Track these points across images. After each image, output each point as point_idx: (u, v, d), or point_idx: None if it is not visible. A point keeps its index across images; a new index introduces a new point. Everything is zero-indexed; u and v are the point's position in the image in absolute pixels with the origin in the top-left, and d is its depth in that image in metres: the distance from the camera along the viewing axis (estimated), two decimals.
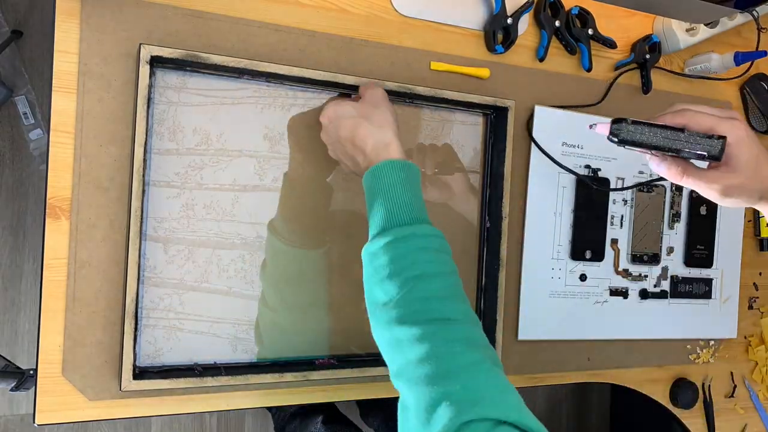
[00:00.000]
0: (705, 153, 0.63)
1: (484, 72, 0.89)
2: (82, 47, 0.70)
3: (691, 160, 0.65)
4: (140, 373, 0.71)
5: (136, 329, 0.70)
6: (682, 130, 0.64)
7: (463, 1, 0.89)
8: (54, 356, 0.69)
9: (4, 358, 1.08)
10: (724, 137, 0.64)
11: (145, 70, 0.69)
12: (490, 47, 0.90)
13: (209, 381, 0.73)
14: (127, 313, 0.69)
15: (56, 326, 0.69)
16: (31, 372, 1.07)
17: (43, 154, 1.55)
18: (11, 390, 1.05)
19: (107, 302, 0.70)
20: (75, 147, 0.69)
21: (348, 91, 0.81)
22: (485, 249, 0.90)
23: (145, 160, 0.70)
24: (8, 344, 1.54)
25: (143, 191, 0.70)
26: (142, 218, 0.70)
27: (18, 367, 1.09)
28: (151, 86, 0.70)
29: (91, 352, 0.70)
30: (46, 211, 0.69)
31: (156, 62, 0.71)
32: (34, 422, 0.69)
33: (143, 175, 0.70)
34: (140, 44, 0.69)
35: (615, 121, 0.64)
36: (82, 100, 0.70)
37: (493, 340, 0.88)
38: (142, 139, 0.69)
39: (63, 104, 0.69)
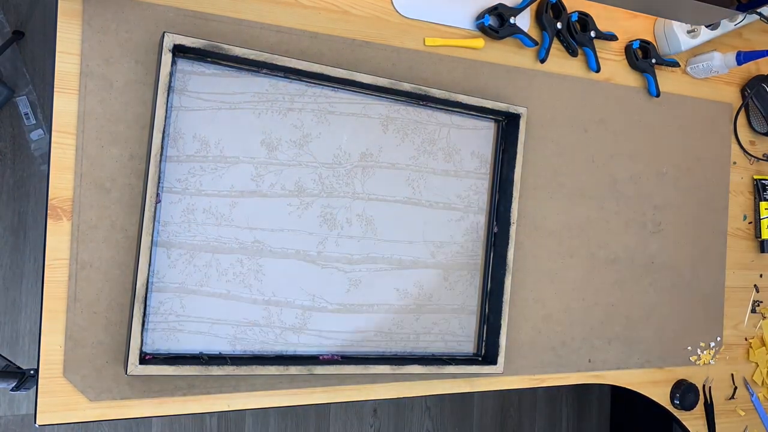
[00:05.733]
0: None
1: (479, 42, 0.89)
2: (83, 48, 0.70)
3: None
4: (146, 358, 0.70)
5: (144, 314, 0.69)
6: None
7: (463, 3, 0.89)
8: (55, 357, 0.69)
9: (4, 358, 1.08)
10: None
11: (167, 57, 0.69)
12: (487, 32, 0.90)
13: (215, 370, 0.72)
14: (137, 298, 0.68)
15: (57, 327, 0.69)
16: (32, 372, 1.07)
17: (45, 155, 1.55)
18: (12, 390, 1.05)
19: (108, 303, 0.70)
20: (76, 148, 0.70)
21: (361, 90, 0.81)
22: (492, 253, 0.90)
23: (162, 146, 0.69)
24: (9, 344, 1.54)
25: (159, 178, 0.70)
26: (157, 192, 0.70)
27: (19, 367, 1.09)
28: (171, 74, 0.70)
29: (92, 352, 0.70)
30: (48, 211, 0.69)
31: (178, 51, 0.70)
32: (35, 423, 0.69)
33: (160, 157, 0.69)
34: (164, 32, 0.69)
35: None
36: (84, 100, 0.70)
37: (497, 344, 0.88)
38: (161, 125, 0.69)
39: (64, 105, 0.69)
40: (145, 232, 0.68)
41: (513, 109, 0.87)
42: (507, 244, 0.88)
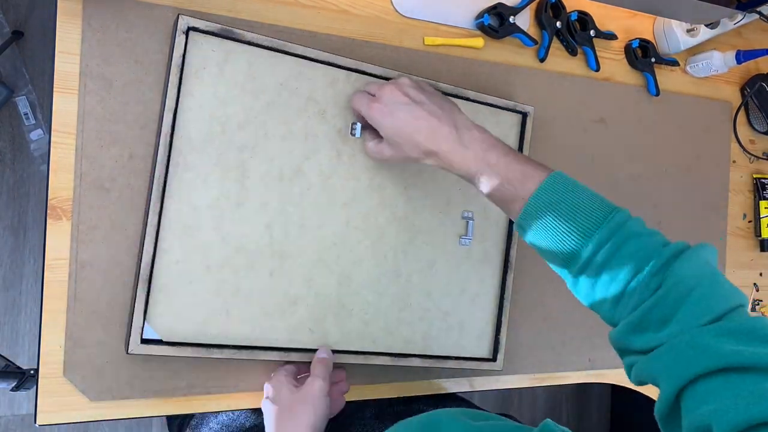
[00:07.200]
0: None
1: (478, 42, 0.90)
2: (83, 48, 0.70)
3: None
4: (148, 339, 0.70)
5: (148, 294, 0.69)
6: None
7: (463, 2, 0.89)
8: (55, 357, 0.69)
9: (4, 357, 1.08)
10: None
11: (181, 39, 0.69)
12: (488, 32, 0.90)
13: (215, 353, 0.72)
14: (141, 278, 0.68)
15: (57, 327, 0.69)
16: (32, 372, 1.07)
17: (44, 155, 1.56)
18: (12, 390, 1.05)
19: (108, 303, 0.70)
20: (76, 148, 0.70)
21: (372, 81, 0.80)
22: None
23: (173, 126, 0.70)
24: (9, 344, 1.54)
25: (168, 159, 0.70)
26: (168, 165, 0.70)
27: (18, 367, 1.09)
28: (184, 55, 0.70)
29: (92, 352, 0.70)
30: (47, 211, 0.69)
31: (192, 32, 0.71)
32: (35, 423, 0.69)
33: (170, 137, 0.70)
34: (178, 14, 0.70)
35: None
36: (84, 100, 0.70)
37: (497, 341, 0.88)
38: (173, 104, 0.69)
39: (64, 105, 0.69)
40: (152, 212, 0.69)
41: (520, 107, 0.88)
42: (511, 241, 0.88)
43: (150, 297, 0.69)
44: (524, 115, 0.89)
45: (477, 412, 0.72)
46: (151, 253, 0.69)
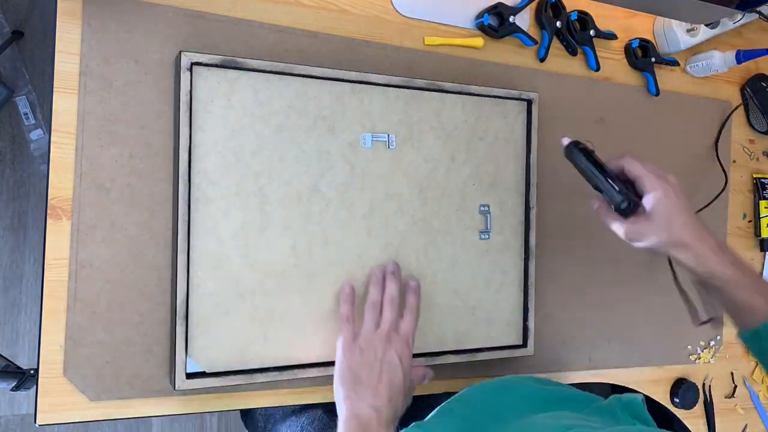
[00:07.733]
0: (612, 203, 0.75)
1: (478, 42, 0.90)
2: (83, 48, 0.70)
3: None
4: (192, 373, 0.71)
5: (186, 329, 0.70)
6: (608, 175, 0.75)
7: (463, 2, 0.89)
8: (55, 356, 0.69)
9: (4, 357, 1.08)
10: (637, 203, 0.74)
11: (186, 76, 0.69)
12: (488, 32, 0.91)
13: (259, 377, 0.73)
14: (179, 315, 0.70)
15: (57, 326, 0.69)
16: (32, 372, 1.07)
17: (44, 155, 1.56)
18: (12, 390, 1.05)
19: (108, 303, 0.70)
20: (76, 147, 0.70)
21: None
22: None
23: (189, 163, 0.70)
24: (9, 344, 1.54)
25: (189, 195, 0.71)
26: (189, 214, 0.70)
27: (18, 367, 1.09)
28: (191, 92, 0.70)
29: (92, 352, 0.70)
30: (47, 211, 0.69)
31: (195, 66, 0.71)
32: (35, 423, 0.69)
33: (189, 175, 0.70)
34: (180, 51, 0.70)
35: (571, 143, 0.78)
36: (83, 100, 0.70)
37: (526, 328, 0.90)
38: (186, 143, 0.70)
39: (64, 105, 0.69)
40: (180, 250, 0.70)
41: (525, 95, 0.89)
42: (529, 228, 0.90)
43: (188, 331, 0.71)
44: (529, 102, 0.89)
45: (541, 378, 0.77)
46: (185, 290, 0.70)
